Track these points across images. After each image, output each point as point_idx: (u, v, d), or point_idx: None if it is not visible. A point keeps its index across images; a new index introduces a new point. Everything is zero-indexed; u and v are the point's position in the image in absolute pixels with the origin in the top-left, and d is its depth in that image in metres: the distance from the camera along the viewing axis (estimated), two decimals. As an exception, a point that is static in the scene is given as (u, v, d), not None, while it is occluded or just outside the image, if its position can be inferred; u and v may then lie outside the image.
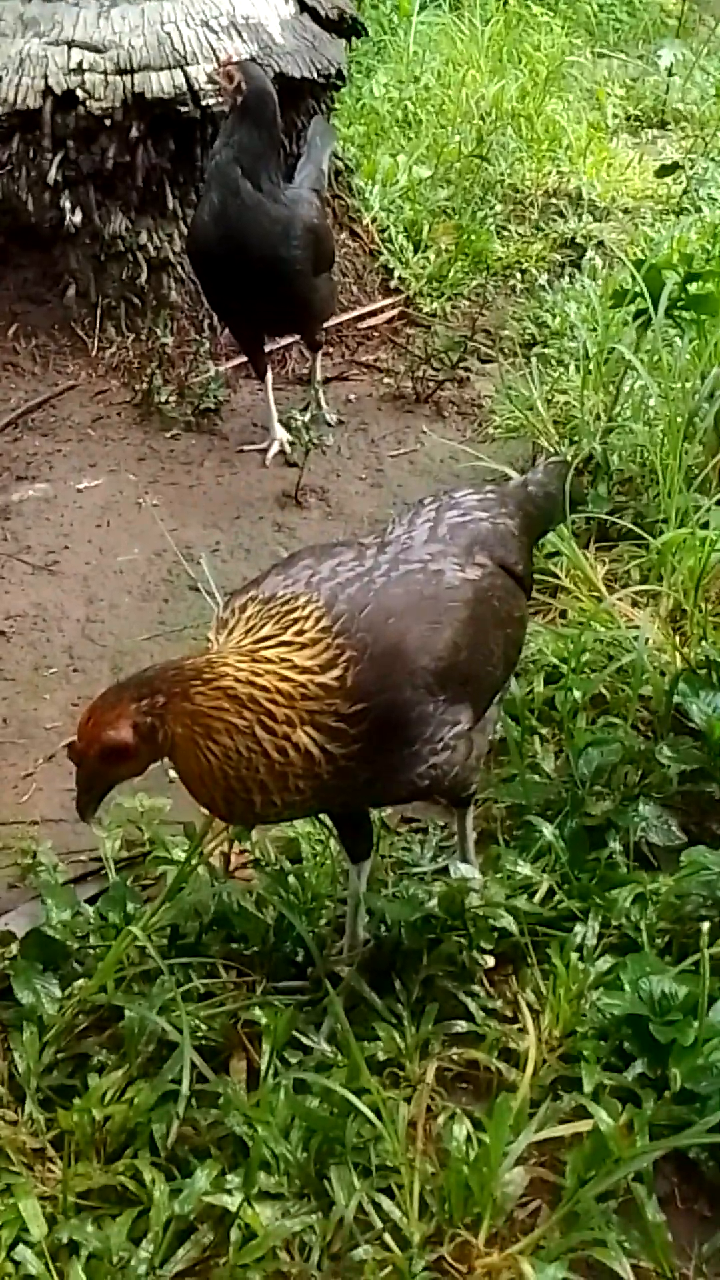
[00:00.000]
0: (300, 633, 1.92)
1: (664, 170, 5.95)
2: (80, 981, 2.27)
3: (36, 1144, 2.04)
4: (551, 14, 7.97)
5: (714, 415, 3.47)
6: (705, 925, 2.09)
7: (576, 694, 2.79)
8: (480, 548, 2.17)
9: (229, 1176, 1.94)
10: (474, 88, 6.54)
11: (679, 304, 3.68)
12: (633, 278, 3.68)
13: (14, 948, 2.33)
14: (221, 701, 1.86)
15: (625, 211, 5.93)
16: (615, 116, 7.04)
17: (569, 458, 3.57)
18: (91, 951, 2.35)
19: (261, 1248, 1.86)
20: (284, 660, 1.89)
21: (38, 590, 3.55)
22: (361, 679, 1.91)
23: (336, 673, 1.90)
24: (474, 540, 2.17)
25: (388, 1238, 1.89)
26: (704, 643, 2.91)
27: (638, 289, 3.62)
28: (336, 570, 2.00)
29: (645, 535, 3.21)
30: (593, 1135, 1.96)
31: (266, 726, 1.87)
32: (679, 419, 3.44)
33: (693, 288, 3.69)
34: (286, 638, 1.91)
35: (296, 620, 1.93)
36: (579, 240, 5.59)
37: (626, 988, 2.16)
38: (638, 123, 7.14)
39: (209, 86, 4.25)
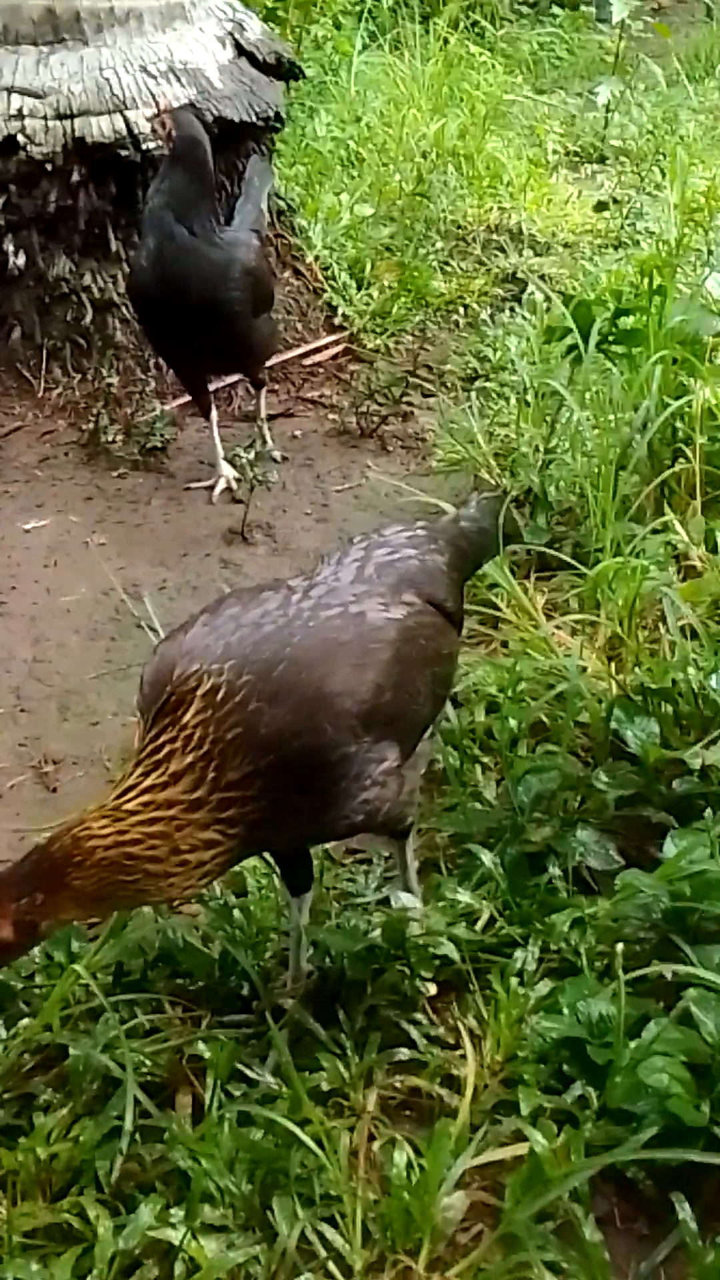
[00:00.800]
0: (171, 757, 1.95)
1: (601, 205, 6.06)
2: (25, 1021, 2.28)
3: (-18, 1185, 2.06)
4: (491, 53, 8.11)
5: (646, 445, 3.54)
6: (619, 946, 2.15)
7: (514, 722, 2.83)
8: (408, 586, 2.20)
9: (173, 1211, 1.95)
10: (415, 127, 6.63)
11: (609, 338, 3.76)
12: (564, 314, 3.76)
13: (-41, 989, 2.34)
14: (100, 873, 1.94)
15: (565, 246, 6.00)
16: (555, 153, 7.13)
17: (509, 489, 3.64)
18: (37, 991, 2.36)
19: (206, 1280, 1.88)
20: (149, 805, 1.95)
21: (-16, 631, 3.58)
22: (254, 736, 1.94)
23: (207, 785, 1.94)
24: (401, 579, 2.20)
25: (331, 1266, 1.90)
26: (638, 669, 2.95)
27: (569, 325, 3.70)
28: (260, 623, 2.02)
29: (580, 566, 3.27)
30: (530, 1158, 1.98)
31: (152, 870, 1.95)
32: (613, 450, 3.51)
33: (623, 322, 3.78)
34: (148, 782, 1.95)
35: (174, 739, 1.95)
36: (520, 275, 5.65)
37: (565, 1011, 2.19)
38: (577, 158, 7.24)
39: (148, 131, 4.31)
